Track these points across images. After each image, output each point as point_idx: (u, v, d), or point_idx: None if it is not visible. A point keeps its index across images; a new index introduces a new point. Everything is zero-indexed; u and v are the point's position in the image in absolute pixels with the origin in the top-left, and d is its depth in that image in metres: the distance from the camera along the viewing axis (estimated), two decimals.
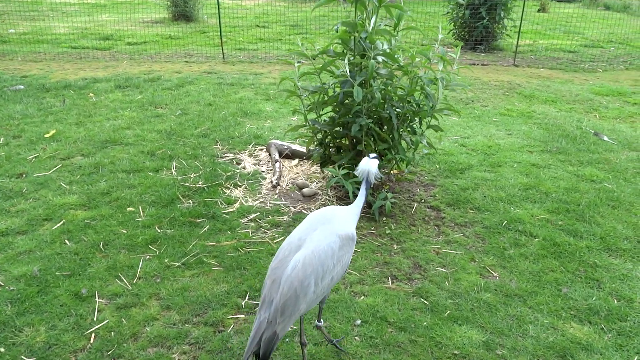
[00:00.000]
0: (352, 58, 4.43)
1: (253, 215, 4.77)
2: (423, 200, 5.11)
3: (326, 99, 4.76)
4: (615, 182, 5.44)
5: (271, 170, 5.75)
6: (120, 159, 5.89)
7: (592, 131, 6.90)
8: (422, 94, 4.70)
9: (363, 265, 4.08)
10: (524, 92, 8.85)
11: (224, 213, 4.78)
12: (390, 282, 3.88)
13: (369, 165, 3.07)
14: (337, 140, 5.07)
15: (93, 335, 3.32)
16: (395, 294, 3.74)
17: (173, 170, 5.62)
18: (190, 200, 5.00)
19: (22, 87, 8.71)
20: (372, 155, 3.13)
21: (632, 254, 4.22)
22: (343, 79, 4.27)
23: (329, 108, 4.89)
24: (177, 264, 4.04)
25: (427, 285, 3.82)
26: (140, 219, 4.65)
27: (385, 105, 4.62)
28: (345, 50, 4.57)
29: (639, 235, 4.47)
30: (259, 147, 6.35)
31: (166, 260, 4.07)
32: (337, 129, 4.87)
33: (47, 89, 8.64)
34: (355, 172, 3.11)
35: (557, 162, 5.97)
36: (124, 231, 4.46)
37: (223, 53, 11.33)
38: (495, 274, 3.99)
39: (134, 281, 3.83)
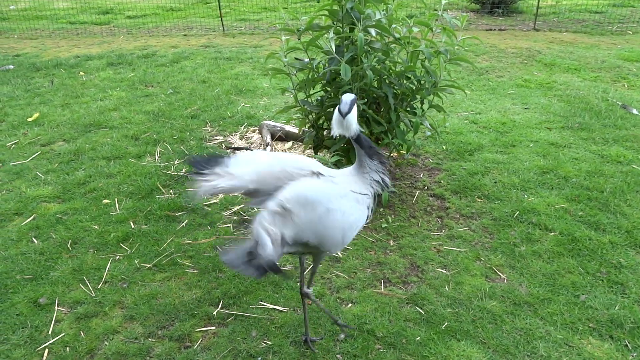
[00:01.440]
0: (341, 30, 3.89)
1: (237, 208, 4.36)
2: (426, 188, 4.62)
3: (315, 77, 4.24)
4: None
5: None
6: (102, 144, 5.51)
7: (620, 103, 6.23)
8: (423, 70, 4.15)
9: (353, 265, 3.65)
10: (544, 59, 8.12)
11: (205, 205, 4.38)
12: (382, 287, 3.44)
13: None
14: (330, 122, 4.57)
15: (46, 351, 2.99)
16: (387, 301, 3.31)
17: (156, 156, 5.22)
18: (170, 191, 4.60)
19: (11, 67, 8.36)
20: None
21: None
22: (330, 55, 3.74)
23: (319, 87, 4.38)
24: (148, 265, 3.67)
25: (424, 291, 3.38)
26: (114, 213, 4.28)
27: (381, 84, 4.09)
28: (334, 22, 4.02)
29: None
30: (252, 128, 5.89)
31: (136, 261, 3.70)
32: (330, 109, 4.36)
33: (37, 69, 8.27)
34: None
35: (579, 140, 5.37)
36: (96, 227, 4.10)
37: (222, 25, 10.76)
38: (503, 276, 3.52)
39: (99, 286, 3.48)
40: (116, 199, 4.47)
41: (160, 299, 3.34)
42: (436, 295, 3.35)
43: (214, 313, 3.22)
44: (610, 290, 3.35)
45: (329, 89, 4.19)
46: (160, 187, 4.64)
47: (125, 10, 13.10)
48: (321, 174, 2.44)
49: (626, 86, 6.96)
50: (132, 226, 4.11)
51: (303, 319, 3.00)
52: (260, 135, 5.68)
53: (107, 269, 3.63)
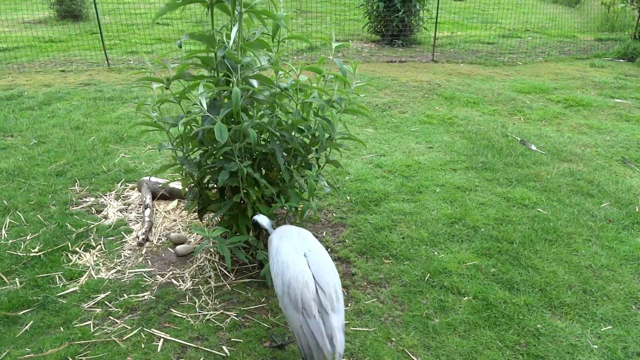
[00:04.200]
0: (216, 82, 3.30)
1: (102, 296, 3.54)
2: (330, 249, 4.11)
3: (192, 133, 3.60)
4: (549, 205, 4.71)
5: (141, 218, 4.52)
6: None
7: (519, 139, 6.22)
8: (316, 122, 3.67)
9: None
10: (444, 93, 8.11)
11: (60, 297, 3.51)
12: None
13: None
14: (217, 182, 3.93)
15: None
16: None
17: (4, 231, 4.25)
18: (16, 279, 3.68)
19: None
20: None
21: (579, 310, 3.45)
22: (201, 114, 3.13)
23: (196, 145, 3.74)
24: None
25: None
26: None
27: (269, 139, 3.55)
28: (211, 71, 3.43)
29: (583, 281, 3.71)
30: (131, 185, 5.08)
31: None
32: (211, 170, 3.73)
33: None
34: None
35: (483, 181, 5.18)
36: None
37: (107, 58, 9.76)
38: None
39: None
40: None
41: None
42: None
43: None
44: None
45: (207, 147, 3.56)
46: (2, 275, 3.69)
47: None
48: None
49: (522, 119, 7.05)
50: None
51: None
52: (139, 194, 4.89)
53: None
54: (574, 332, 3.26)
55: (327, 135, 3.60)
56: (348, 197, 4.85)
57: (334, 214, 4.61)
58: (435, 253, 4.04)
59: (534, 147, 5.98)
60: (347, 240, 4.23)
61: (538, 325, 3.31)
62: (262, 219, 3.25)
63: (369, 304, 3.51)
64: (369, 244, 4.15)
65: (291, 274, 2.61)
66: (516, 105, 7.56)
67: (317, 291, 2.54)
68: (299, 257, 2.69)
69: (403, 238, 4.23)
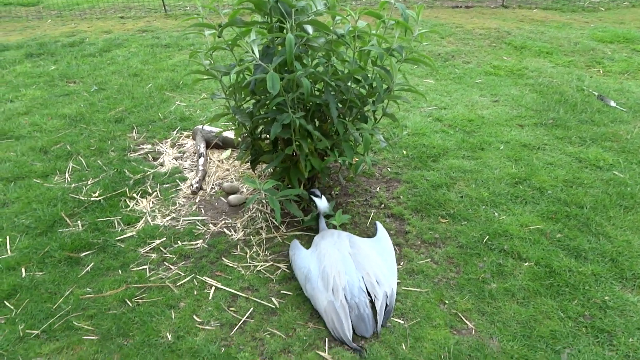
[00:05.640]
0: (272, 27, 3.13)
1: (157, 242, 3.63)
2: (383, 205, 3.98)
3: (244, 83, 3.49)
4: (627, 168, 4.31)
5: (195, 166, 4.55)
6: (3, 160, 4.65)
7: (596, 94, 5.68)
8: (375, 72, 3.45)
9: (292, 318, 2.99)
10: (513, 42, 7.50)
11: (118, 241, 3.63)
12: (326, 348, 2.81)
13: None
14: (269, 133, 3.84)
15: None
16: None
17: (67, 175, 4.41)
18: (78, 222, 3.83)
19: None
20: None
21: None
22: (253, 62, 2.99)
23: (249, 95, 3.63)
24: (36, 332, 2.93)
25: (376, 353, 2.76)
26: (3, 257, 3.50)
27: (323, 89, 3.38)
28: (264, 16, 3.26)
29: None
30: (186, 133, 5.11)
31: (21, 327, 2.96)
32: (263, 121, 3.63)
33: None
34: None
35: (553, 139, 4.79)
36: None
37: (164, 4, 9.73)
38: (471, 326, 2.93)
39: None
40: (8, 237, 3.67)
41: None
42: (391, 358, 2.74)
43: None
44: (596, 341, 2.81)
45: (259, 97, 3.45)
46: (65, 218, 3.85)
47: None
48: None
49: (601, 72, 6.42)
50: (24, 274, 3.34)
51: None
52: (194, 142, 4.91)
53: None
54: None
55: (385, 87, 3.38)
56: (404, 152, 4.65)
57: (388, 168, 4.44)
58: (496, 214, 3.81)
59: (613, 103, 5.44)
60: (401, 196, 4.07)
61: (606, 297, 3.07)
62: (322, 203, 3.49)
63: (422, 264, 3.39)
64: (425, 202, 3.97)
65: (327, 262, 3.02)
66: (595, 56, 6.89)
67: (346, 284, 2.92)
68: (336, 251, 3.11)
69: (461, 197, 4.02)
